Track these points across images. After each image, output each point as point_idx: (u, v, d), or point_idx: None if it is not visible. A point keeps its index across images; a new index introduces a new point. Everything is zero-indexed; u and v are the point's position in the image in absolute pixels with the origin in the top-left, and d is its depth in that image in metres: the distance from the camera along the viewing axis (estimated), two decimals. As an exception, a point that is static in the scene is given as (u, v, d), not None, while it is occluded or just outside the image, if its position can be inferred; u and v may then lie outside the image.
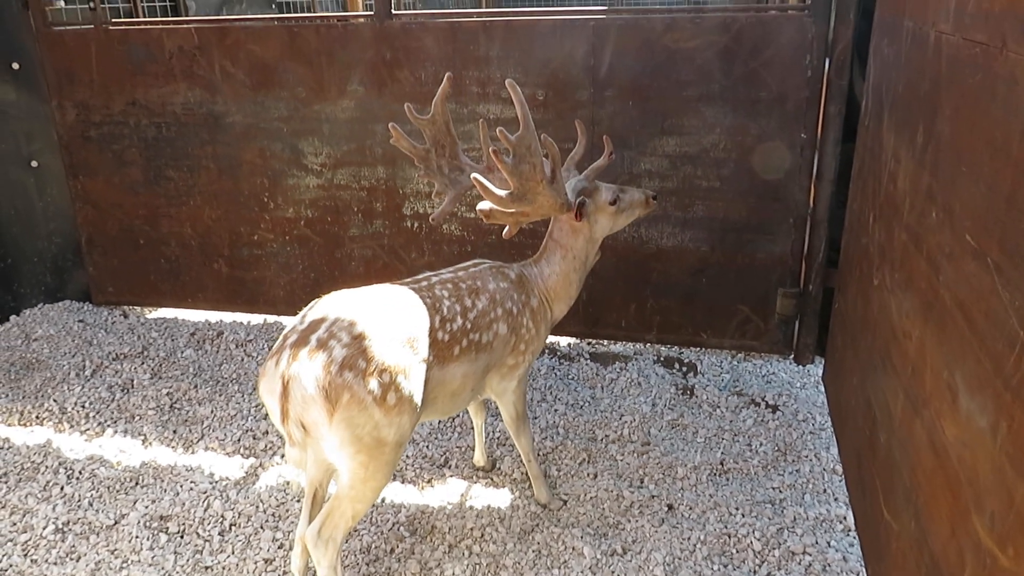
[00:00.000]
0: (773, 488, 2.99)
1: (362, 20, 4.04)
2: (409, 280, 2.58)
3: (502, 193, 2.40)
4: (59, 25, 4.29)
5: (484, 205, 2.47)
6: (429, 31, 3.79)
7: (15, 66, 4.26)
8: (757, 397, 3.60)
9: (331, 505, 2.24)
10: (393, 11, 3.81)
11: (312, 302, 2.35)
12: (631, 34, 3.60)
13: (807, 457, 3.16)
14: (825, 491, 2.95)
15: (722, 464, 3.13)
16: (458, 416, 3.48)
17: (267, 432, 3.41)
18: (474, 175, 2.35)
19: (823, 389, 3.64)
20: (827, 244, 3.64)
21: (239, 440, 3.37)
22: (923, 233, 2.07)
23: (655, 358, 3.98)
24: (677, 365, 3.92)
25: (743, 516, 2.83)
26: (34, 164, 4.44)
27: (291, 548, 2.68)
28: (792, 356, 3.92)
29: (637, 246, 3.88)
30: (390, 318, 2.26)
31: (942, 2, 2.03)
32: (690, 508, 2.88)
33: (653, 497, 2.94)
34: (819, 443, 3.24)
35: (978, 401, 1.56)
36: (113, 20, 4.21)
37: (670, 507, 2.90)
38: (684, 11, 3.61)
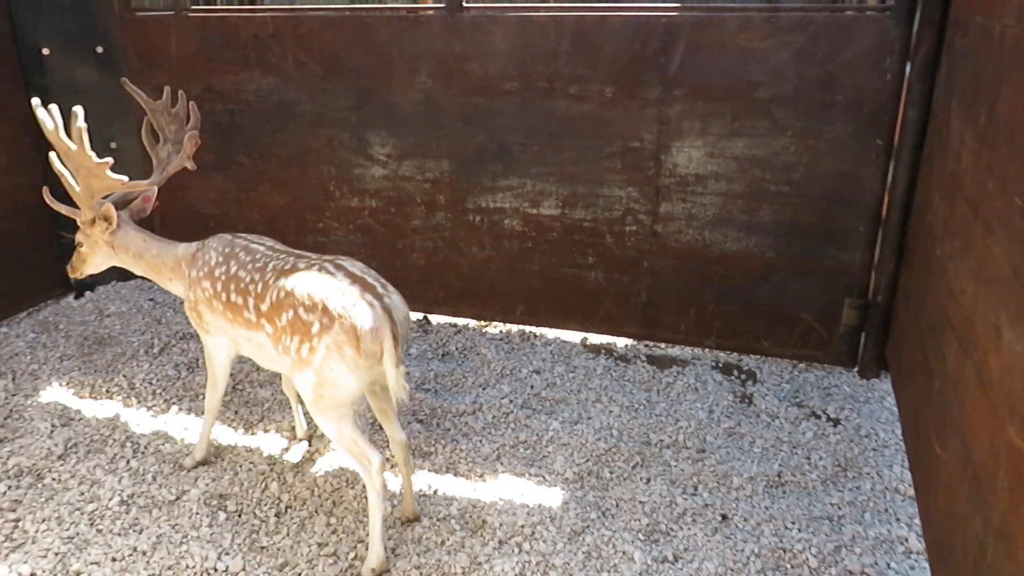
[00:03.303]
0: (832, 504, 2.92)
1: (432, 12, 4.06)
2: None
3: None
4: (141, 10, 4.42)
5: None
6: (499, 24, 3.79)
7: (99, 50, 4.41)
8: (818, 409, 3.51)
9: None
10: (464, 3, 3.82)
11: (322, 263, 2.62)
12: (704, 32, 3.53)
13: (868, 474, 3.08)
14: (887, 511, 2.87)
15: (779, 476, 3.07)
16: (512, 412, 3.49)
17: (324, 417, 3.47)
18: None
19: (888, 401, 3.53)
20: (898, 254, 3.52)
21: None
22: (981, 202, 2.33)
23: (713, 364, 3.92)
24: (736, 372, 3.85)
25: (799, 531, 2.76)
26: (113, 145, 4.59)
27: (344, 534, 2.74)
28: (856, 369, 3.81)
29: (700, 248, 3.82)
30: None
31: (1008, 0, 2.29)
32: (745, 519, 2.83)
33: (707, 506, 2.90)
34: (882, 460, 3.15)
35: (1018, 331, 1.84)
36: (192, 7, 4.32)
37: (724, 517, 2.85)
38: (759, 10, 3.53)
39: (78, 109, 2.62)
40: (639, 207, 3.85)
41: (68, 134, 2.64)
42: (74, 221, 2.94)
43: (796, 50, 3.44)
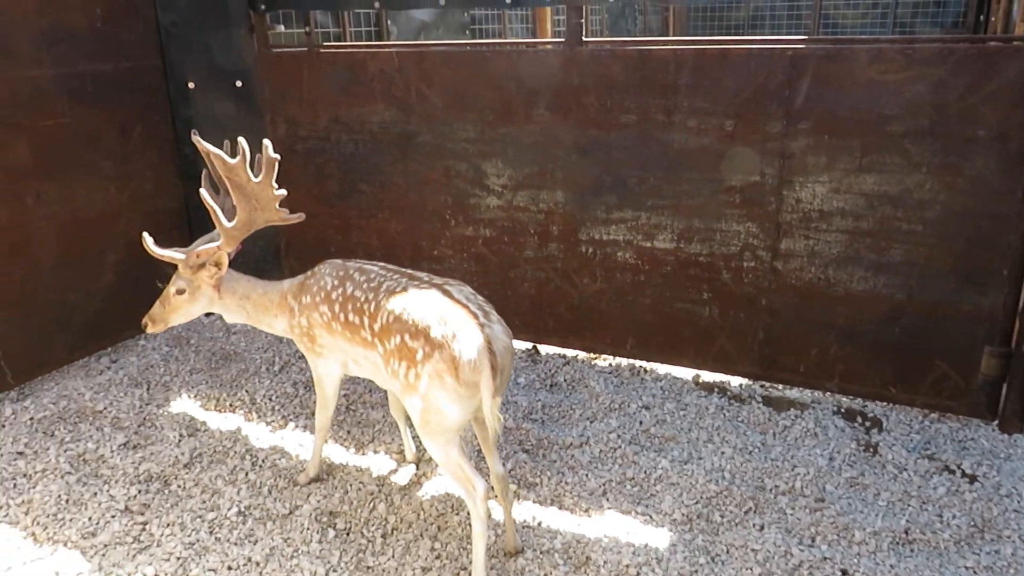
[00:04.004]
0: (966, 568, 2.69)
1: (551, 47, 4.11)
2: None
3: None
4: (278, 47, 4.69)
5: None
6: (618, 58, 3.79)
7: (238, 84, 4.70)
8: (952, 464, 3.26)
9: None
10: (584, 38, 3.85)
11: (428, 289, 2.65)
12: (832, 65, 3.42)
13: (1009, 538, 2.82)
14: (1031, 580, 2.62)
15: (906, 533, 2.86)
16: (619, 447, 3.42)
17: (432, 442, 3.51)
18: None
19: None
20: (1047, 301, 3.26)
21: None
22: None
23: (835, 408, 3.72)
24: (860, 419, 3.63)
25: (929, 594, 2.56)
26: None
27: (448, 559, 2.74)
28: (996, 423, 3.52)
29: (823, 287, 3.65)
30: None
31: None
32: (867, 577, 2.65)
33: (825, 559, 2.73)
34: (1025, 524, 2.89)
35: None
36: (324, 43, 4.55)
37: (844, 573, 2.68)
38: (893, 41, 3.38)
39: (267, 142, 2.78)
40: (758, 243, 3.73)
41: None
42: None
43: (934, 83, 3.27)
